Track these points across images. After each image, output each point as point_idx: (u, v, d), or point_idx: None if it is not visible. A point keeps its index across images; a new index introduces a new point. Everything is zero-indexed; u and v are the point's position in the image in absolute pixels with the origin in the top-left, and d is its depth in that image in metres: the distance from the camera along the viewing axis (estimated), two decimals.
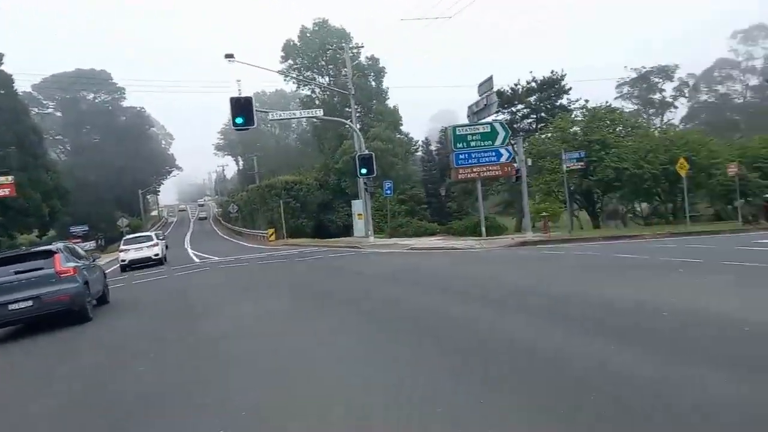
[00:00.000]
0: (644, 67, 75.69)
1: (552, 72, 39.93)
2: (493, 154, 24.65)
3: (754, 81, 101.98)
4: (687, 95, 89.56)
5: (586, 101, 32.93)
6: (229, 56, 25.87)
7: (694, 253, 12.95)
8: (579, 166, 24.21)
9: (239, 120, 20.67)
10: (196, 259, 27.14)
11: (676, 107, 80.00)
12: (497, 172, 25.33)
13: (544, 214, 26.31)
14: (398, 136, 54.60)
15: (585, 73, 50.79)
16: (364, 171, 25.64)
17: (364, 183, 27.88)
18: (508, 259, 15.82)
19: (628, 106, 68.41)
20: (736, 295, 7.55)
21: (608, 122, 29.53)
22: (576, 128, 30.36)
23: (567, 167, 23.73)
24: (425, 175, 56.74)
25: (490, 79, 23.70)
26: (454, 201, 49.90)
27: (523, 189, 23.78)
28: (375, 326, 7.59)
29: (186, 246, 42.56)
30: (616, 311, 6.91)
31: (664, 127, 31.58)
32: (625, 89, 78.17)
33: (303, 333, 7.48)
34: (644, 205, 32.69)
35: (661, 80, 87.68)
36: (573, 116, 32.16)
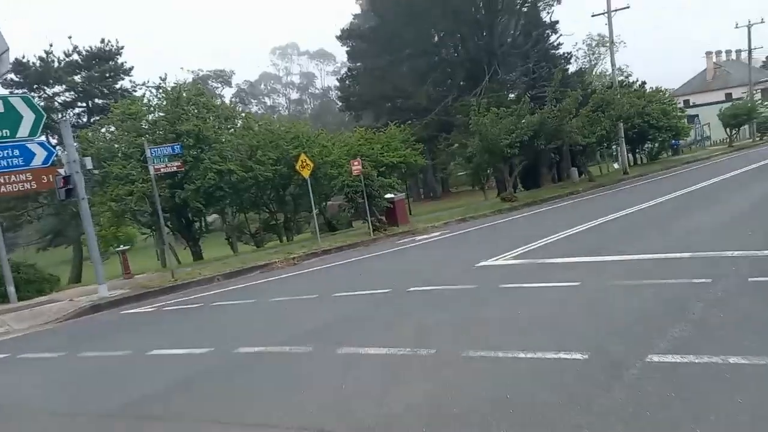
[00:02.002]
0: (201, 70, 72.35)
1: (103, 41, 28.31)
2: (18, 152, 14.02)
3: (294, 95, 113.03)
4: (245, 102, 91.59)
5: (163, 79, 23.20)
6: None
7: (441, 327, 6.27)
8: (175, 168, 15.21)
9: None
10: None
11: (242, 115, 79.80)
12: (29, 185, 14.32)
13: (123, 246, 16.39)
14: None
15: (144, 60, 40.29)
16: None
17: None
18: None
19: None
20: None
21: (198, 109, 21.23)
22: (156, 115, 20.87)
23: (157, 170, 14.49)
24: None
25: None
26: None
27: (82, 210, 13.38)
28: None
29: None
30: None
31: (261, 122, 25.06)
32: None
33: None
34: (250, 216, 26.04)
35: (220, 85, 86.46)
36: (148, 100, 22.36)
